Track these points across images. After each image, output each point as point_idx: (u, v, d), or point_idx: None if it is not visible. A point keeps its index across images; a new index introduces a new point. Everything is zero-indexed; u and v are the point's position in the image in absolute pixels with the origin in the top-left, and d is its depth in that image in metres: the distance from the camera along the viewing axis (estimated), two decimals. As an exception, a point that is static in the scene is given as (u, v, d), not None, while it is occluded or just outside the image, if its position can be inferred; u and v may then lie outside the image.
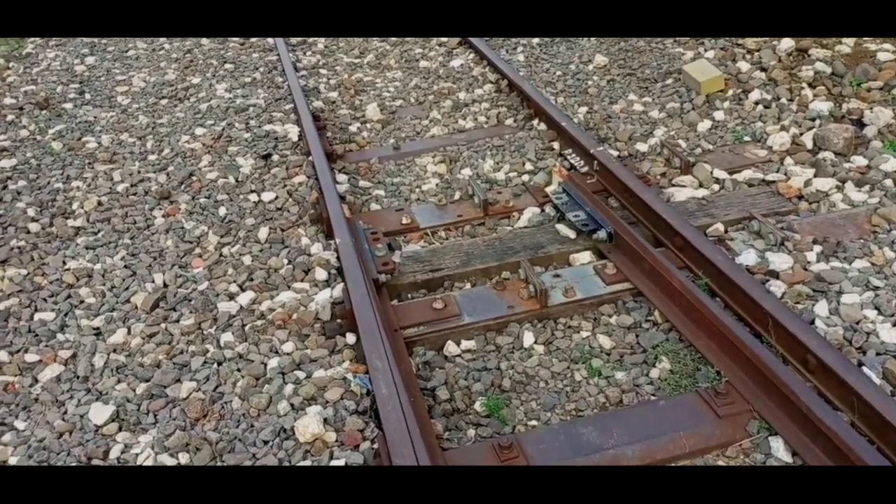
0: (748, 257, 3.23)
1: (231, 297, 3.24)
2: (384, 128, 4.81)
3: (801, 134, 4.13)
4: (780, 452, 2.42)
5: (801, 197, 3.70)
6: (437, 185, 4.08)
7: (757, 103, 4.49)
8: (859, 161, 3.90)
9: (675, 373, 2.78)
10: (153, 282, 3.37)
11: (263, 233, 3.64)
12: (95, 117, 5.15)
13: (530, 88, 4.76)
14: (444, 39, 6.04)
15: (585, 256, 3.41)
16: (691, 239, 3.19)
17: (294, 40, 6.35)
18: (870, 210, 3.50)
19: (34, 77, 6.03)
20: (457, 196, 3.94)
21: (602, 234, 3.38)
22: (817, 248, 3.25)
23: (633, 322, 3.04)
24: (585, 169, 4.00)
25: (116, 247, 3.65)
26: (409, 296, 3.29)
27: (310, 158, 4.22)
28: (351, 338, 2.96)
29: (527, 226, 3.68)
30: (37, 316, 3.23)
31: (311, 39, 6.37)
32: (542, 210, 3.79)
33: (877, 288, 2.96)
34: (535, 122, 4.60)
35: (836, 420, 2.36)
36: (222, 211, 3.86)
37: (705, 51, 5.08)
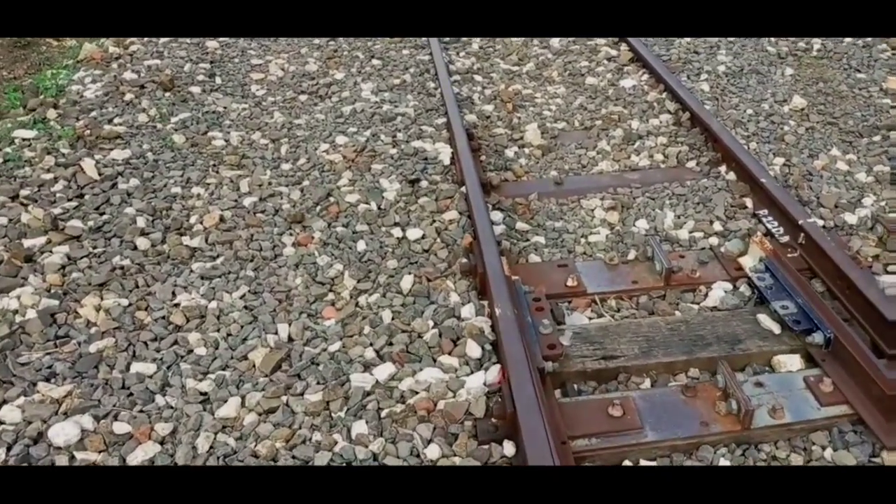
0: None
1: (366, 367, 2.78)
2: (544, 155, 4.25)
3: None
4: None
5: None
6: (606, 237, 3.51)
7: None
8: None
9: (924, 555, 2.16)
10: (276, 333, 2.95)
11: (407, 282, 3.17)
12: (225, 108, 4.79)
13: (718, 127, 4.10)
14: (614, 53, 5.41)
15: (794, 361, 2.78)
16: (941, 366, 2.53)
17: (447, 38, 5.83)
18: None
19: (160, 49, 5.71)
20: (631, 255, 3.36)
21: (819, 337, 2.75)
22: None
23: (856, 463, 2.42)
24: (786, 240, 3.35)
25: (237, 280, 3.25)
26: (577, 388, 2.76)
27: (462, 189, 3.72)
28: (509, 448, 2.46)
29: (718, 307, 3.08)
30: (134, 367, 2.81)
31: (465, 39, 5.85)
32: (735, 288, 3.17)
33: None
34: (723, 169, 3.95)
35: None
36: (361, 246, 3.42)
37: (922, 108, 4.29)
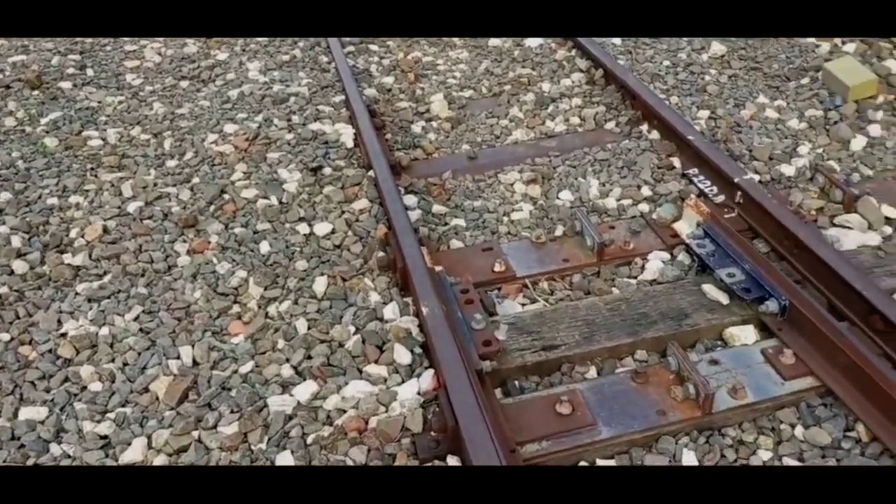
0: (976, 351, 2.43)
1: (285, 387, 2.44)
2: (454, 128, 3.95)
3: None
4: None
5: None
6: (530, 213, 3.25)
7: (918, 114, 3.64)
8: None
9: (909, 534, 2.01)
10: (179, 358, 2.57)
11: (320, 284, 2.83)
12: (100, 102, 4.28)
13: (635, 83, 3.88)
14: (511, 9, 5.13)
15: (748, 333, 2.59)
16: (905, 326, 2.38)
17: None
18: None
19: (25, 43, 5.09)
20: (558, 231, 3.11)
21: (773, 305, 2.57)
22: None
23: (831, 440, 2.25)
24: (722, 200, 3.17)
25: (128, 299, 2.83)
26: (518, 385, 2.50)
27: (370, 174, 3.39)
28: (454, 464, 2.18)
29: (658, 280, 2.86)
30: (23, 412, 2.40)
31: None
32: (673, 257, 2.97)
33: None
34: (645, 128, 3.74)
35: None
36: (265, 248, 3.05)
37: (843, 43, 4.18)
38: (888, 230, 3.01)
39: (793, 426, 2.30)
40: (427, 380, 2.42)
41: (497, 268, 2.91)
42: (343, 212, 3.21)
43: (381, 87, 4.36)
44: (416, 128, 3.96)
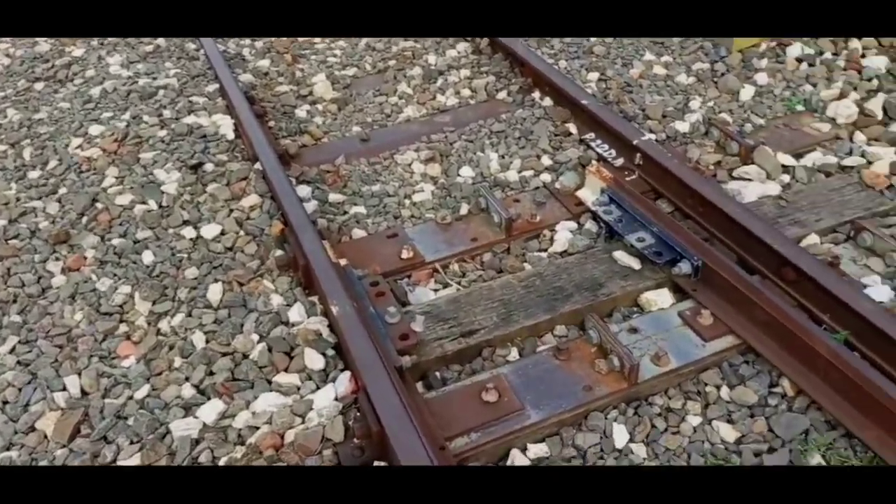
0: (880, 292, 2.47)
1: (188, 408, 2.24)
2: (341, 110, 3.76)
3: (866, 100, 3.38)
4: None
5: (892, 187, 2.96)
6: (432, 193, 3.12)
7: (800, 60, 3.71)
8: (945, 133, 3.20)
9: (843, 483, 2.02)
10: (65, 389, 2.32)
11: (215, 291, 2.61)
12: (-55, 112, 3.86)
13: (523, 49, 3.80)
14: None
15: (664, 297, 2.56)
16: (814, 274, 2.39)
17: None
18: None
19: None
20: (463, 210, 3.00)
21: (685, 266, 2.54)
22: (958, 270, 2.53)
23: (758, 398, 2.24)
24: (621, 163, 3.13)
25: (1, 330, 2.54)
26: (440, 377, 2.38)
27: (257, 166, 3.17)
28: (383, 471, 2.05)
29: (568, 251, 2.80)
30: None
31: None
32: (581, 226, 2.91)
33: None
34: (537, 95, 3.65)
35: None
36: (148, 258, 2.79)
37: (720, -9, 4.22)
38: (786, 178, 3.05)
39: (718, 388, 2.28)
40: (344, 383, 2.26)
41: (405, 254, 2.78)
42: (231, 210, 2.98)
43: (258, 71, 4.11)
44: (301, 112, 3.74)
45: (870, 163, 3.07)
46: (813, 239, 2.73)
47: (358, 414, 2.17)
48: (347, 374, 2.28)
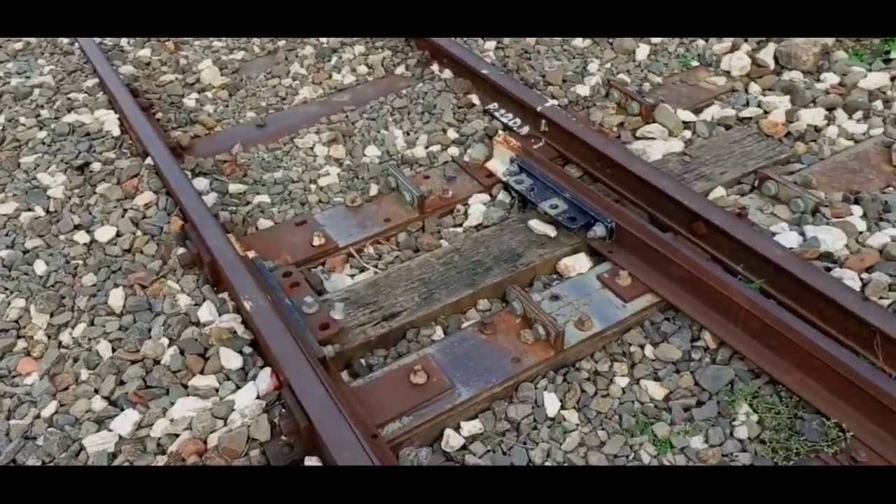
0: (788, 238, 2.53)
1: (100, 422, 2.10)
2: (232, 96, 3.59)
3: (757, 51, 3.47)
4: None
5: (789, 135, 3.05)
6: (339, 175, 3.02)
7: (690, 16, 3.76)
8: (832, 79, 3.31)
9: (770, 427, 2.06)
10: (-37, 416, 2.14)
11: (116, 297, 2.45)
12: None
13: (417, 23, 3.71)
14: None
15: (581, 262, 2.56)
16: (725, 226, 2.43)
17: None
18: (878, 145, 2.92)
19: None
20: (373, 190, 2.91)
21: (600, 230, 2.54)
22: (857, 210, 2.62)
23: (681, 353, 2.27)
24: (527, 131, 3.11)
25: None
26: (366, 363, 2.31)
27: (148, 161, 2.99)
28: (314, 464, 1.97)
29: (483, 224, 2.76)
30: None
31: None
32: (493, 198, 2.87)
33: (963, 261, 2.38)
34: (436, 67, 3.59)
35: None
36: (41, 268, 2.59)
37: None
38: (688, 134, 3.10)
39: (642, 347, 2.30)
40: (265, 380, 2.16)
41: (316, 241, 2.68)
42: (125, 210, 2.80)
43: (139, 61, 3.89)
44: (190, 101, 3.56)
45: (766, 112, 3.15)
46: (719, 192, 2.78)
47: (283, 410, 2.07)
48: (268, 370, 2.18)
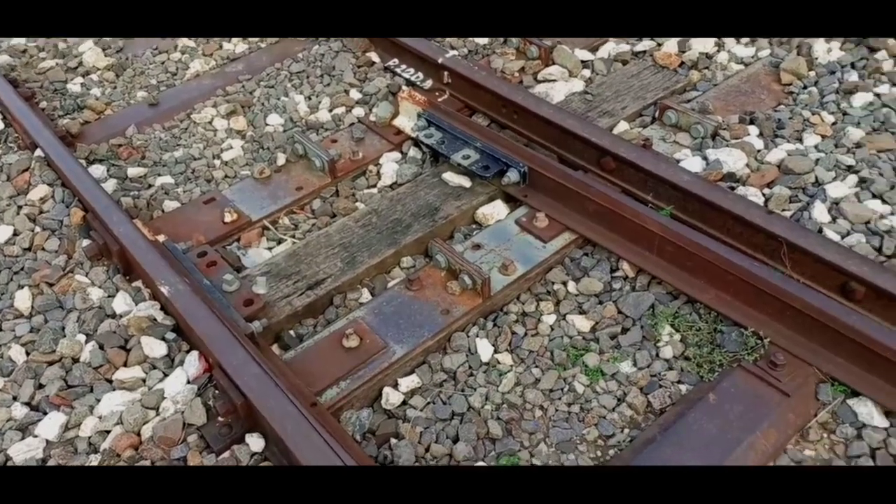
0: (692, 163, 2.61)
1: (24, 429, 2.01)
2: (119, 76, 3.43)
3: (644, -16, 3.52)
4: (873, 419, 1.92)
5: (683, 65, 3.13)
6: (242, 148, 2.94)
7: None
8: (718, 6, 3.40)
9: (692, 344, 2.14)
10: None
11: (23, 298, 2.33)
12: None
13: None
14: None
15: (498, 208, 2.58)
16: (632, 158, 2.48)
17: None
18: (766, 66, 3.03)
19: None
20: (281, 160, 2.85)
21: (513, 175, 2.55)
22: (753, 130, 2.72)
23: (602, 285, 2.32)
24: (431, 84, 3.08)
25: None
26: (295, 334, 2.28)
27: (38, 153, 2.83)
28: (256, 442, 1.94)
29: (398, 182, 2.74)
30: None
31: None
32: (404, 154, 2.85)
33: (853, 168, 2.50)
34: (329, 29, 3.51)
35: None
36: (-66, 276, 2.45)
37: None
38: (587, 73, 3.14)
39: (565, 283, 2.34)
40: (193, 364, 2.11)
41: (227, 218, 2.60)
42: (20, 207, 2.66)
43: (14, 50, 3.66)
44: (74, 87, 3.38)
45: (659, 45, 3.22)
46: (623, 126, 2.84)
47: (216, 391, 2.03)
48: (195, 353, 2.13)
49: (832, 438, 1.92)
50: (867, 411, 1.92)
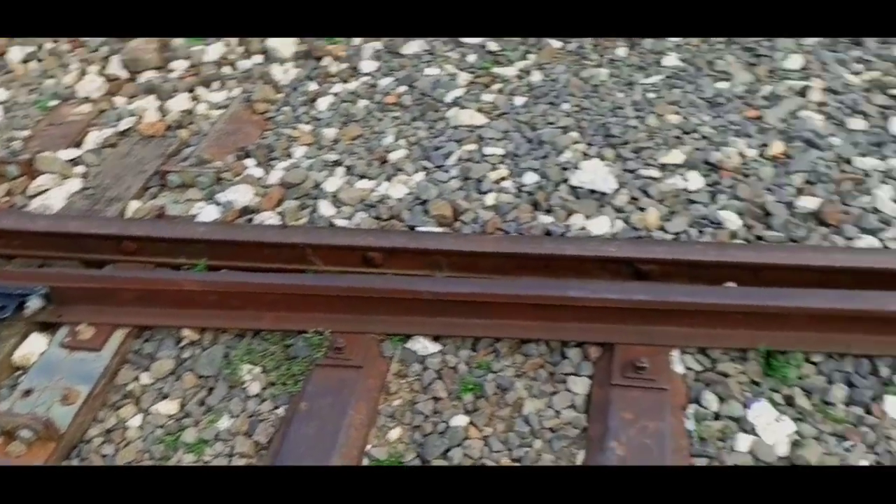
0: (209, 211, 2.69)
1: None
2: None
3: (105, 68, 3.51)
4: (427, 349, 2.20)
5: (170, 128, 3.20)
6: None
7: (26, 61, 3.65)
8: (181, 65, 3.54)
9: (272, 369, 2.22)
10: None
11: None
12: None
13: None
14: None
15: (37, 342, 2.37)
16: (146, 232, 2.48)
17: None
18: (241, 103, 3.22)
19: None
20: None
21: (36, 302, 2.36)
22: (250, 162, 2.88)
23: (174, 362, 2.28)
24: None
25: None
26: None
27: None
28: None
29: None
30: None
31: None
32: None
33: (338, 161, 2.77)
34: None
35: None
36: None
37: None
38: (80, 169, 3.04)
39: (137, 378, 2.27)
40: None
41: None
42: None
43: None
44: None
45: (140, 118, 3.23)
46: (134, 205, 2.80)
47: None
48: None
49: (409, 381, 2.15)
50: (421, 346, 2.20)
